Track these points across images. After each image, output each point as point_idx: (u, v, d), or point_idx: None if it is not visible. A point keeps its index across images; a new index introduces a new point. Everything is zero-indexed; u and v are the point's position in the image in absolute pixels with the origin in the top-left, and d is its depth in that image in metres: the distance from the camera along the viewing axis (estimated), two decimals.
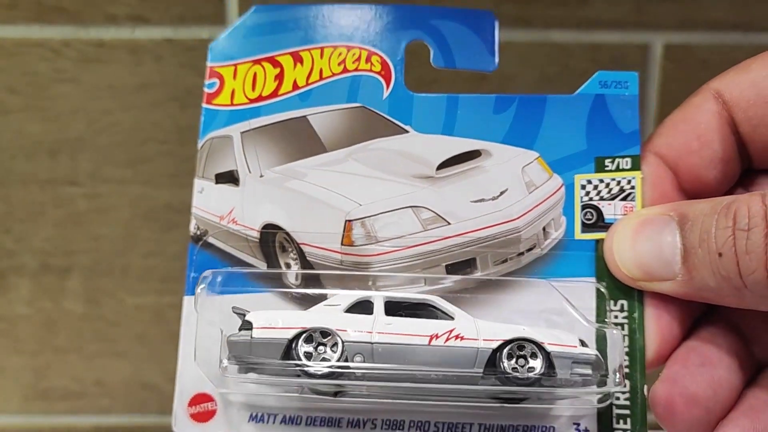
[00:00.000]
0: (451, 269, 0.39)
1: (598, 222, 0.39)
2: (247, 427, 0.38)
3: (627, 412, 0.37)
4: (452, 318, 0.36)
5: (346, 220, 0.39)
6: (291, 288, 0.39)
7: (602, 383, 0.36)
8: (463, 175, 0.40)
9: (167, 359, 0.57)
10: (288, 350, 0.35)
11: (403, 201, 0.39)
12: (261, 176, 0.40)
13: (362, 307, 0.36)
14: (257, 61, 0.41)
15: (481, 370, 0.35)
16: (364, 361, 0.35)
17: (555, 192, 0.40)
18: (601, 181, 0.39)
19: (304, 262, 0.39)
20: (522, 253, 0.39)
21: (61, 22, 0.49)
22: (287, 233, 0.39)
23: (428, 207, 0.39)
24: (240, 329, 0.36)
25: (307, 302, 0.38)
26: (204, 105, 0.41)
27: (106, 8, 0.50)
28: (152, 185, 0.54)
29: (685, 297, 0.36)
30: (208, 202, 0.40)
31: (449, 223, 0.39)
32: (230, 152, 0.40)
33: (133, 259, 0.56)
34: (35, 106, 0.51)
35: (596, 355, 0.36)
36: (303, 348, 0.35)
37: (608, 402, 0.37)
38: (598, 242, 0.39)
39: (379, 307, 0.36)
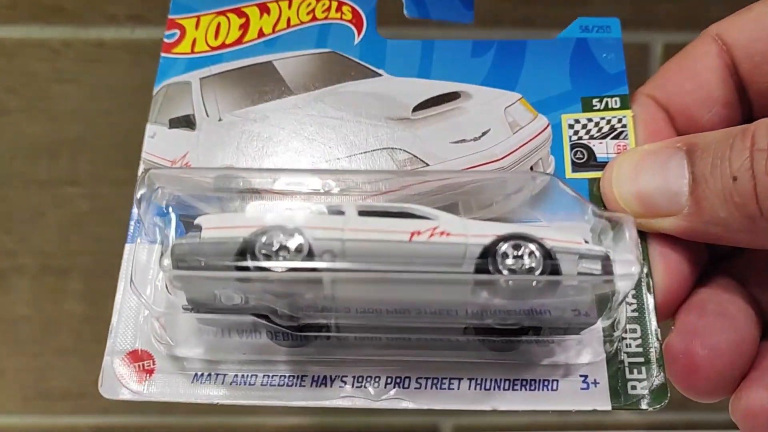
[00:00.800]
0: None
1: (589, 161, 0.37)
2: (189, 390, 0.32)
3: (641, 359, 0.33)
4: (435, 219, 0.31)
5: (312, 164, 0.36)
6: None
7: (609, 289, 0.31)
8: (442, 116, 0.37)
9: None
10: (243, 252, 0.29)
11: (376, 142, 0.36)
12: (219, 120, 0.38)
13: (334, 212, 0.31)
14: (222, 12, 0.40)
15: (472, 269, 0.30)
16: (334, 260, 0.29)
17: (541, 131, 0.37)
18: (590, 120, 0.37)
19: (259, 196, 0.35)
20: (509, 195, 0.36)
21: (61, 23, 0.49)
22: (246, 176, 0.35)
23: (404, 148, 0.36)
24: (187, 233, 0.31)
25: None
26: (162, 54, 0.39)
27: (106, 8, 0.50)
28: None
29: (690, 236, 0.33)
30: (160, 145, 0.37)
31: (427, 164, 0.36)
32: (188, 98, 0.38)
33: None
34: (35, 106, 0.51)
35: (605, 252, 0.31)
36: (261, 249, 0.29)
37: (615, 348, 0.33)
38: (592, 181, 0.36)
39: (351, 211, 0.31)
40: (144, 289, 0.33)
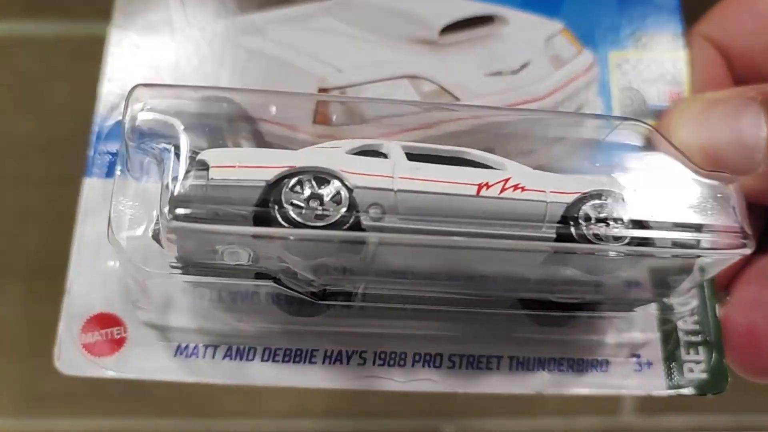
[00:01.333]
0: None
1: (640, 108, 0.32)
2: (171, 366, 0.26)
3: (698, 338, 0.29)
4: (503, 169, 0.25)
5: (319, 89, 0.29)
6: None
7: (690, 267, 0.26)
8: (475, 42, 0.31)
9: None
10: (265, 201, 0.23)
11: (396, 68, 0.30)
12: (204, 30, 0.30)
13: (372, 154, 0.25)
14: None
15: (553, 232, 0.24)
16: (382, 216, 0.23)
17: (587, 69, 0.32)
18: (640, 60, 0.32)
19: (262, 146, 0.27)
20: (551, 143, 0.30)
21: (54, 19, 0.49)
22: (239, 106, 0.28)
23: (430, 78, 0.30)
24: (187, 172, 0.23)
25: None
26: None
27: (99, 4, 0.50)
28: None
29: (763, 197, 0.29)
30: (124, 59, 0.29)
31: (458, 99, 0.30)
32: None
33: None
34: (27, 104, 0.51)
35: (702, 220, 0.26)
36: (290, 198, 0.23)
37: (672, 324, 0.29)
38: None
39: (396, 153, 0.25)
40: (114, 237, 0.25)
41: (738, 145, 0.28)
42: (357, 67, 0.30)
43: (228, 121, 0.27)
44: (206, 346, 0.26)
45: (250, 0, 0.30)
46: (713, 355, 0.29)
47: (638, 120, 0.29)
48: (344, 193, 0.23)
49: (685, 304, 0.29)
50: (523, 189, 0.24)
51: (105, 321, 0.26)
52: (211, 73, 0.29)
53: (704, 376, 0.29)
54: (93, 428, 0.58)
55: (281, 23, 0.30)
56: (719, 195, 0.27)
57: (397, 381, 0.27)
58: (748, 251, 0.25)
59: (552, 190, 0.25)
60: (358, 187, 0.23)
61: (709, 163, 0.28)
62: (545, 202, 0.24)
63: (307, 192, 0.23)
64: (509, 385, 0.28)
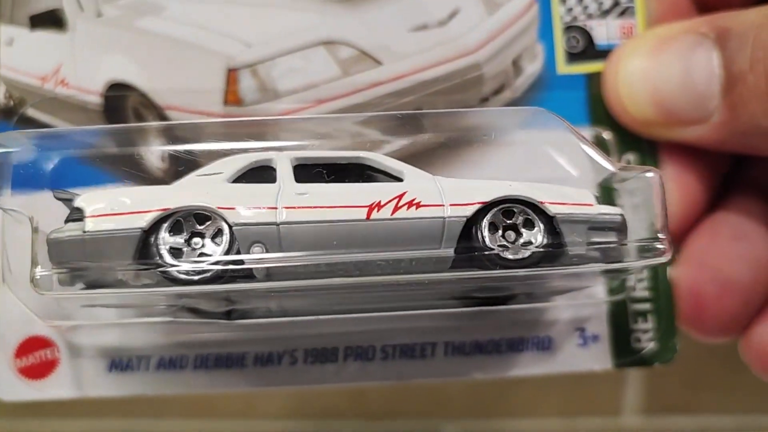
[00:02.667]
0: (387, 130, 0.27)
1: (588, 49, 0.28)
2: (106, 381, 0.26)
3: (647, 306, 0.27)
4: (400, 179, 0.24)
5: (228, 69, 0.26)
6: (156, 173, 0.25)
7: (621, 255, 0.24)
8: None
9: None
10: (144, 247, 0.22)
11: (309, 35, 0.27)
12: (99, 15, 0.27)
13: (258, 175, 0.23)
14: None
15: (452, 252, 0.23)
16: (266, 252, 0.22)
17: (526, 9, 0.28)
18: None
19: (172, 136, 0.25)
20: (486, 99, 0.28)
21: None
22: (144, 94, 0.27)
23: (349, 42, 0.27)
24: (66, 221, 0.23)
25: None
26: None
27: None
28: None
29: (720, 147, 0.26)
30: (23, 57, 0.27)
31: (380, 63, 0.27)
32: None
33: None
34: None
35: (621, 215, 0.24)
36: (167, 241, 0.22)
37: (621, 295, 0.27)
38: (591, 76, 0.28)
39: (284, 171, 0.23)
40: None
41: (689, 92, 0.25)
42: (267, 37, 0.27)
43: (132, 114, 0.26)
44: (138, 358, 0.26)
45: None
46: (664, 321, 0.27)
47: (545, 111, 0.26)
48: (225, 230, 0.22)
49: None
50: (418, 205, 0.23)
51: (36, 344, 0.26)
52: (113, 67, 0.27)
53: (652, 345, 0.27)
54: (93, 428, 0.58)
55: None
56: (637, 194, 0.25)
57: (331, 381, 0.26)
58: (663, 260, 0.24)
59: (452, 202, 0.23)
60: (237, 225, 0.22)
61: (661, 116, 0.26)
62: (443, 218, 0.23)
63: (187, 234, 0.22)
64: (444, 372, 0.27)
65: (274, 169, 0.23)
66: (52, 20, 0.27)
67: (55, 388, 0.26)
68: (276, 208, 0.22)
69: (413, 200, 0.22)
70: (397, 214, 0.22)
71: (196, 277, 0.21)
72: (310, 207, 0.22)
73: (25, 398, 0.26)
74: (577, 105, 0.28)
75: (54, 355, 0.26)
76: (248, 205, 0.22)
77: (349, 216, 0.22)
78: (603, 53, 0.28)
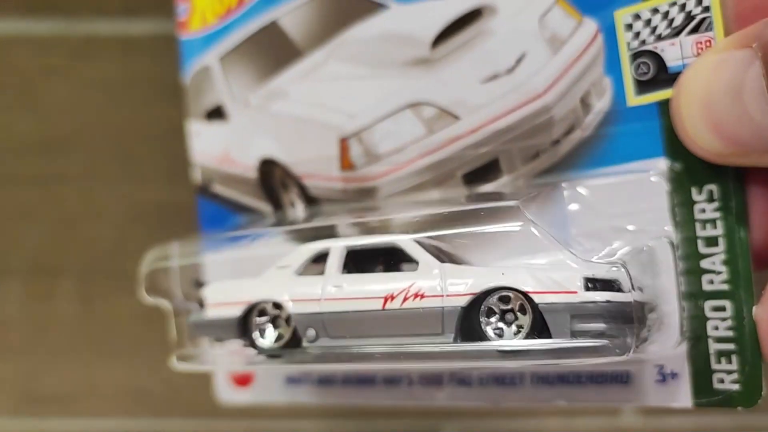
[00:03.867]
0: (470, 178, 0.29)
1: (659, 75, 0.25)
2: (285, 390, 0.34)
3: (731, 346, 0.25)
4: (417, 263, 0.27)
5: (340, 139, 0.31)
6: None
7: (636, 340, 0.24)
8: (466, 46, 0.29)
9: (160, 362, 0.56)
10: (243, 327, 0.30)
11: (397, 100, 0.30)
12: (248, 104, 0.33)
13: (317, 263, 0.29)
14: None
15: (451, 338, 0.26)
16: (317, 336, 0.28)
17: (590, 43, 0.27)
18: (655, 11, 0.25)
19: (308, 198, 0.32)
20: (557, 141, 0.28)
21: (52, 17, 0.49)
22: (285, 167, 0.32)
23: (429, 101, 0.29)
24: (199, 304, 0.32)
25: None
26: (179, 36, 0.34)
27: (97, 2, 0.49)
28: (145, 183, 0.53)
29: None
30: (205, 145, 0.34)
31: (458, 118, 0.29)
32: (212, 83, 0.34)
33: (125, 260, 0.55)
34: (25, 102, 0.50)
35: (607, 301, 0.24)
36: (257, 323, 0.30)
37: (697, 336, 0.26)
38: (663, 104, 0.25)
39: (334, 262, 0.29)
40: None
41: (747, 122, 0.22)
42: (365, 107, 0.31)
43: (279, 184, 0.33)
44: (305, 374, 0.34)
45: (270, 68, 0.33)
46: (749, 361, 0.25)
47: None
48: (289, 318, 0.29)
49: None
50: (422, 296, 0.26)
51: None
52: (262, 146, 0.33)
53: (736, 387, 0.26)
54: (93, 428, 0.58)
55: (299, 80, 0.32)
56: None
57: (438, 396, 0.31)
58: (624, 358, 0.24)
59: (449, 293, 0.26)
60: (295, 314, 0.29)
61: (729, 149, 0.23)
62: (441, 307, 0.26)
63: (265, 319, 0.30)
64: (531, 398, 0.29)
65: (326, 257, 0.29)
66: (218, 113, 0.34)
67: (254, 393, 0.34)
68: (320, 300, 0.28)
69: (417, 292, 0.26)
70: (405, 305, 0.26)
71: (266, 351, 0.30)
72: (340, 299, 0.28)
73: (237, 401, 0.35)
74: (650, 137, 0.26)
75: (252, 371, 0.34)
76: (303, 298, 0.28)
77: (368, 307, 0.27)
78: (676, 77, 0.25)
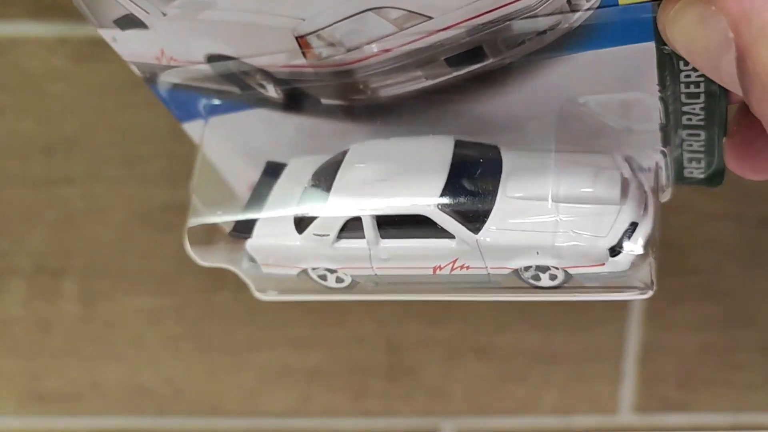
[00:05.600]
0: (454, 61, 0.29)
1: None
2: None
3: (701, 156, 0.30)
4: (453, 237, 0.29)
5: (295, 37, 0.29)
6: (276, 105, 0.31)
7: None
8: None
9: (163, 361, 0.56)
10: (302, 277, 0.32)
11: (354, 4, 0.27)
12: (164, 15, 0.29)
13: (352, 229, 0.30)
14: None
15: (499, 286, 0.30)
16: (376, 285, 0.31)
17: None
18: None
19: (276, 80, 0.31)
20: (544, 32, 0.27)
21: (56, 20, 0.49)
22: (238, 59, 0.30)
23: (393, 5, 0.27)
24: (234, 234, 0.32)
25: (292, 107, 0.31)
26: None
27: None
28: (148, 185, 0.53)
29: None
30: (132, 47, 0.31)
31: (430, 17, 0.27)
32: None
33: (129, 261, 0.55)
34: (29, 104, 0.51)
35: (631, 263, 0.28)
36: (316, 275, 0.32)
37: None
38: (657, 4, 0.25)
39: (369, 229, 0.29)
40: None
41: (710, 62, 0.24)
42: (315, 12, 0.28)
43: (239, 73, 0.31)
44: None
45: None
46: (711, 165, 0.30)
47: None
48: (347, 277, 0.31)
49: None
50: (468, 268, 0.29)
51: None
52: (204, 46, 0.30)
53: (702, 176, 0.31)
54: (94, 427, 0.58)
55: None
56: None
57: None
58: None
59: (492, 265, 0.29)
60: (354, 275, 0.31)
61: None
62: (487, 273, 0.29)
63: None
64: None
65: (360, 224, 0.30)
66: (133, 22, 0.30)
67: None
68: (372, 267, 0.30)
69: (463, 265, 0.29)
70: (454, 273, 0.29)
71: (340, 287, 0.32)
72: (392, 267, 0.30)
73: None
74: (642, 28, 0.26)
75: None
76: (353, 265, 0.31)
77: (421, 273, 0.30)
78: None
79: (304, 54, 0.29)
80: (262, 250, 0.32)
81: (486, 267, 0.29)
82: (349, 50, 0.29)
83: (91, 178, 0.52)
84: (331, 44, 0.29)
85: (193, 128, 0.35)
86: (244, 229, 0.32)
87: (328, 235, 0.30)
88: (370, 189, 0.30)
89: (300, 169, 0.33)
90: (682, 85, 0.28)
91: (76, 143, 0.52)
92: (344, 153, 0.32)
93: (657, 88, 0.28)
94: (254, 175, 0.33)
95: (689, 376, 0.56)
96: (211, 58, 0.30)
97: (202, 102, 0.33)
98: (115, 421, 0.57)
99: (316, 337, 0.55)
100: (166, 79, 0.32)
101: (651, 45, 0.27)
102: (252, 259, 0.32)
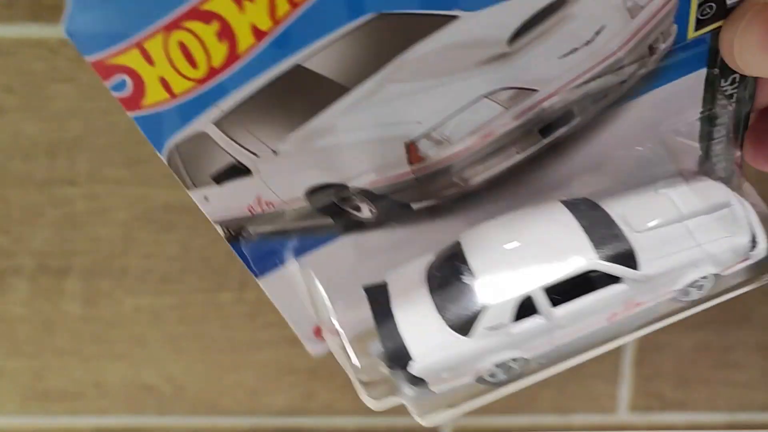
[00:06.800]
0: (546, 129, 0.31)
1: (718, 12, 0.30)
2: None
3: None
4: (620, 280, 0.29)
5: (406, 144, 0.30)
6: (368, 226, 0.31)
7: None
8: (546, 35, 0.29)
9: (165, 360, 0.57)
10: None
11: (471, 95, 0.29)
12: (275, 153, 0.29)
13: (524, 308, 0.29)
14: (170, 27, 0.25)
15: (659, 315, 0.31)
16: (546, 362, 0.31)
17: (666, 3, 0.30)
18: None
19: (373, 196, 0.31)
20: (624, 81, 0.31)
21: (58, 21, 0.49)
22: (339, 185, 0.30)
23: (506, 86, 0.30)
24: (411, 383, 0.30)
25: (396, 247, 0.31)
26: (130, 113, 0.28)
27: None
28: (150, 186, 0.54)
29: None
30: (223, 204, 0.30)
31: (536, 90, 0.30)
32: (215, 150, 0.29)
33: (131, 260, 0.55)
34: (32, 105, 0.51)
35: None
36: (490, 372, 0.30)
37: None
38: (713, 32, 0.30)
39: (543, 302, 0.29)
40: None
41: None
42: (432, 112, 0.30)
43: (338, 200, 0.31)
44: None
45: (301, 113, 0.29)
46: None
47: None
48: (522, 361, 0.30)
49: None
50: (640, 304, 0.30)
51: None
52: (308, 178, 0.31)
53: None
54: (96, 426, 0.58)
55: (347, 113, 0.29)
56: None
57: None
58: None
59: (661, 292, 0.30)
60: (532, 358, 0.30)
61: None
62: (656, 303, 0.31)
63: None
64: None
65: (532, 301, 0.29)
66: (234, 172, 0.30)
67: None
68: (552, 340, 0.30)
69: (638, 302, 0.30)
70: (628, 314, 0.30)
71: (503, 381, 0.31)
72: (571, 333, 0.30)
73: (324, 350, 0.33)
74: (698, 59, 0.31)
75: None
76: (535, 344, 0.30)
77: (597, 327, 0.30)
78: (731, 10, 0.30)
79: (409, 160, 0.30)
80: (433, 369, 0.29)
81: (656, 296, 0.30)
82: (453, 144, 0.30)
83: (94, 178, 0.52)
84: (439, 142, 0.30)
85: (270, 282, 0.33)
86: (400, 358, 0.29)
87: (503, 323, 0.29)
88: (517, 266, 0.29)
89: (407, 279, 0.31)
90: (719, 95, 0.32)
91: (78, 144, 0.52)
92: (457, 245, 0.31)
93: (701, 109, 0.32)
94: (353, 306, 0.32)
95: (686, 375, 0.56)
96: (312, 191, 0.31)
97: (290, 245, 0.32)
98: (117, 420, 0.57)
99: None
100: (255, 230, 0.31)
101: (703, 71, 0.31)
102: (415, 382, 0.29)
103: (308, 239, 0.32)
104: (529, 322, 0.29)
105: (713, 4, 0.29)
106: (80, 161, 0.52)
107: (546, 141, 0.31)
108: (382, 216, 0.32)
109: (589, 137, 0.32)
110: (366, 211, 0.32)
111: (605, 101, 0.31)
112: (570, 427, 0.57)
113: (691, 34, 0.30)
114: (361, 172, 0.31)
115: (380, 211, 0.32)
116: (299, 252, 0.32)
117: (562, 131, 0.31)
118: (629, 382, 0.56)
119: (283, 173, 0.30)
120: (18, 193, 0.53)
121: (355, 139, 0.30)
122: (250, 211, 0.31)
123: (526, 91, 0.30)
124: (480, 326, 0.28)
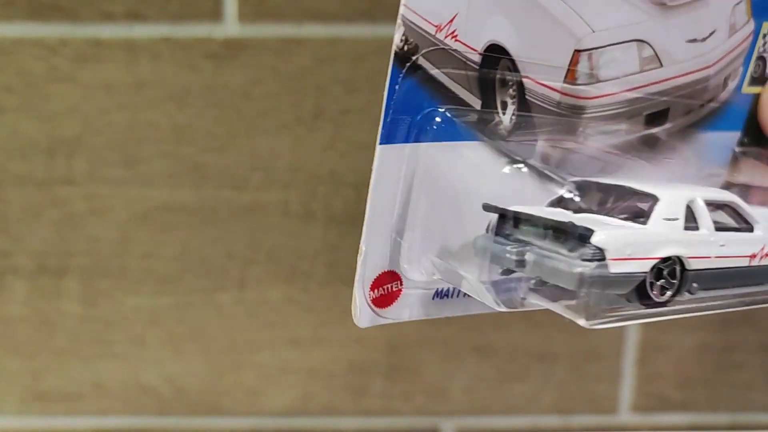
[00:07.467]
0: (649, 119, 0.33)
1: (763, 75, 0.34)
2: (430, 306, 0.31)
3: None
4: (751, 227, 0.31)
5: (575, 50, 0.31)
6: (500, 135, 0.30)
7: None
8: (691, 6, 0.32)
9: (164, 360, 0.57)
10: (642, 286, 0.29)
11: (631, 32, 0.31)
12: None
13: (690, 217, 0.30)
14: None
15: None
16: (698, 289, 0.30)
17: (746, 39, 0.34)
18: None
19: (522, 102, 0.30)
20: (702, 105, 0.34)
21: (57, 21, 0.49)
22: (512, 60, 0.30)
23: (651, 43, 0.32)
24: (586, 258, 0.28)
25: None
26: None
27: (103, 6, 0.49)
28: (149, 185, 0.53)
29: None
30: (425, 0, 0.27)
31: (662, 65, 0.32)
32: None
33: (130, 260, 0.55)
34: (31, 105, 0.51)
35: None
36: (651, 280, 0.29)
37: None
38: (755, 96, 0.34)
39: (705, 216, 0.30)
40: None
41: None
42: (605, 27, 0.31)
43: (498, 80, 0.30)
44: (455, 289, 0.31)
45: None
46: None
47: None
48: (682, 275, 0.30)
49: None
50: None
51: (387, 278, 0.30)
52: (495, 28, 0.29)
53: None
54: (95, 427, 0.58)
55: None
56: None
57: None
58: None
59: None
60: (690, 270, 0.29)
61: None
62: None
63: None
64: None
65: (693, 212, 0.30)
66: None
67: (394, 313, 0.31)
68: (710, 257, 0.30)
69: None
70: (762, 262, 0.31)
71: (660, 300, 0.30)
72: (724, 257, 0.30)
73: (373, 324, 0.30)
74: (740, 118, 0.34)
75: (398, 288, 0.30)
76: (698, 254, 0.30)
77: (740, 263, 0.31)
78: None
79: (567, 74, 0.31)
80: (616, 239, 0.28)
81: None
82: (595, 83, 0.31)
83: (93, 178, 0.52)
84: (591, 71, 0.31)
85: (388, 153, 0.29)
86: (582, 235, 0.28)
87: (677, 218, 0.30)
88: (678, 188, 0.31)
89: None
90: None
91: (77, 144, 0.52)
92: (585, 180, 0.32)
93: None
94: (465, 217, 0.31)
95: (687, 376, 0.56)
96: (489, 49, 0.29)
97: (426, 112, 0.29)
98: (116, 421, 0.57)
99: (316, 337, 0.55)
100: (424, 63, 0.28)
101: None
102: (594, 258, 0.28)
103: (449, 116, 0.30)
104: (692, 230, 0.30)
105: (762, 65, 0.34)
106: (79, 161, 0.52)
107: (645, 132, 0.33)
108: (514, 130, 0.31)
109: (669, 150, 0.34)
110: (507, 117, 0.30)
111: (686, 119, 0.33)
112: (571, 428, 0.57)
113: (745, 88, 0.34)
114: (534, 56, 0.30)
115: (515, 125, 0.31)
116: (428, 130, 0.29)
117: (656, 129, 0.33)
118: (630, 382, 0.56)
119: (482, 4, 0.28)
120: (17, 192, 0.53)
121: (549, 6, 0.30)
122: (437, 29, 0.28)
123: (657, 59, 0.32)
124: (656, 215, 0.29)
